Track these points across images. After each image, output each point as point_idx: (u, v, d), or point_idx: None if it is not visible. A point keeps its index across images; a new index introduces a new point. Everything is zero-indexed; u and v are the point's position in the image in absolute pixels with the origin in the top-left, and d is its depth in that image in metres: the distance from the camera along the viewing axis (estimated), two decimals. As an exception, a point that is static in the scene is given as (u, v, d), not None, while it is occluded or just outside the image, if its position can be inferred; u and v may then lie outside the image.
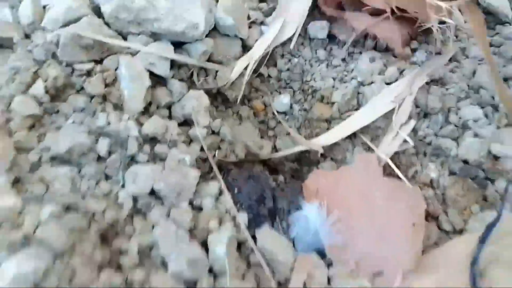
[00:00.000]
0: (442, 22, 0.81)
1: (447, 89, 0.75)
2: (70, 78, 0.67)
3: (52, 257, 0.48)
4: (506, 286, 0.52)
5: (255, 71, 0.81)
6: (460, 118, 0.72)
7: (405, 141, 0.68)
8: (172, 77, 0.75)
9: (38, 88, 0.63)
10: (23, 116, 0.61)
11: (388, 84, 0.76)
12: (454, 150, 0.69)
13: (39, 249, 0.48)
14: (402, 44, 0.82)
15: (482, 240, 0.57)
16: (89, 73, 0.69)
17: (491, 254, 0.56)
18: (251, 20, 0.84)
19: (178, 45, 0.77)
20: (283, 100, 0.80)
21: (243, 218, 0.63)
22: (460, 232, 0.63)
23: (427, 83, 0.76)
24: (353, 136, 0.75)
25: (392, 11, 0.79)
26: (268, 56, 0.81)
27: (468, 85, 0.76)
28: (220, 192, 0.65)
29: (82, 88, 0.67)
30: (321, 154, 0.76)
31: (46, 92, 0.64)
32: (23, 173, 0.58)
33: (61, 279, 0.48)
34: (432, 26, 0.77)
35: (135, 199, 0.60)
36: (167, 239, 0.55)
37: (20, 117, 0.61)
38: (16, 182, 0.56)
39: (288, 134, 0.76)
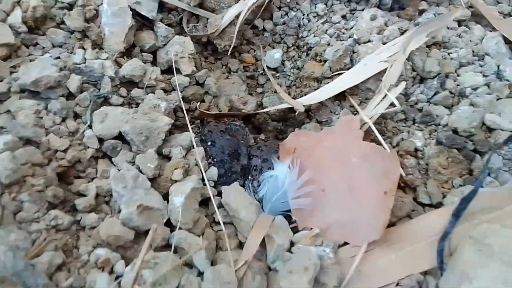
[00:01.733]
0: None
1: (449, 53, 0.64)
2: (50, 10, 0.61)
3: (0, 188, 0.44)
4: (477, 270, 0.44)
5: (249, 22, 0.72)
6: (458, 85, 0.61)
7: (392, 104, 0.59)
8: (161, 20, 0.67)
9: (16, 17, 0.57)
10: (-2, 44, 0.56)
11: (384, 43, 0.65)
12: (445, 118, 0.59)
13: (-15, 178, 0.44)
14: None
15: (456, 214, 0.49)
16: (70, 7, 0.62)
17: (462, 231, 0.48)
18: (250, -34, 0.74)
19: (170, -12, 0.68)
20: (275, 55, 0.71)
21: (212, 172, 0.57)
22: (437, 206, 0.54)
23: (428, 46, 0.65)
24: (342, 98, 0.66)
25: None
26: (263, 7, 0.72)
27: (473, 51, 0.64)
28: (193, 146, 0.59)
29: (63, 22, 0.61)
30: (308, 115, 0.68)
31: (24, 22, 0.58)
32: (-10, 103, 0.53)
33: (6, 211, 0.44)
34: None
35: (101, 141, 0.55)
36: (120, 183, 0.50)
37: (-5, 46, 0.56)
38: (-18, 111, 0.52)
39: (276, 92, 0.68)
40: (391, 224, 0.53)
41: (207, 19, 0.70)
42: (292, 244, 0.53)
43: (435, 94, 0.61)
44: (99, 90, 0.58)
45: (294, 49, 0.73)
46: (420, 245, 0.50)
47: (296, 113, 0.63)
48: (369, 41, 0.67)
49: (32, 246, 0.43)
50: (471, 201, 0.48)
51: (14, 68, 0.56)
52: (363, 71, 0.62)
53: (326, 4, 0.73)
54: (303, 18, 0.73)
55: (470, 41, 0.66)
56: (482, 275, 0.41)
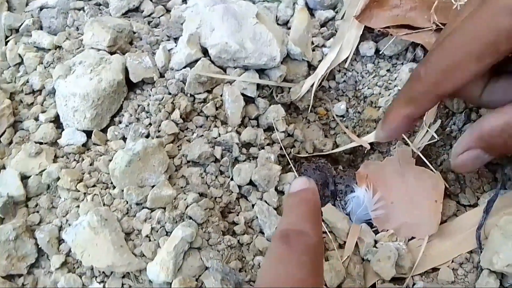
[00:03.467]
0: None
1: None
2: (193, 105, 0.90)
3: (197, 227, 0.73)
4: (501, 246, 0.65)
5: (319, 85, 0.97)
6: (480, 115, 0.83)
7: (433, 136, 0.82)
8: (258, 96, 0.95)
9: (176, 115, 0.86)
10: (168, 134, 0.85)
11: (422, 91, 0.88)
12: (474, 142, 0.81)
13: (190, 222, 0.73)
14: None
15: (486, 211, 0.71)
16: (205, 100, 0.91)
17: (492, 222, 0.70)
18: (314, 44, 0.99)
19: (261, 71, 0.95)
20: (340, 106, 0.95)
21: (312, 198, 0.83)
22: (474, 206, 0.76)
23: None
24: (395, 133, 0.89)
25: (436, 26, 0.89)
26: (328, 73, 0.97)
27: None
28: (296, 180, 0.85)
29: (202, 111, 0.90)
30: (371, 147, 0.92)
31: (180, 116, 0.87)
32: (172, 172, 0.83)
33: (203, 240, 0.73)
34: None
35: (239, 187, 0.83)
36: (262, 214, 0.77)
37: (167, 135, 0.85)
38: (170, 179, 0.82)
39: (345, 133, 0.93)
40: (443, 222, 0.76)
41: (289, 88, 0.96)
42: (375, 242, 0.78)
43: (464, 124, 0.83)
44: (231, 153, 0.86)
45: (354, 99, 0.97)
46: (464, 234, 0.73)
47: (365, 151, 0.88)
48: (410, 89, 0.90)
49: (222, 258, 0.72)
50: (494, 202, 0.70)
51: (178, 147, 0.86)
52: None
53: (373, 63, 0.97)
54: (357, 76, 0.97)
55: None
56: (504, 250, 0.64)
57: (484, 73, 0.53)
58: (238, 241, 0.76)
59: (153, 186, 0.75)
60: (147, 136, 0.85)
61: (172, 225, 0.73)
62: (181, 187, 0.80)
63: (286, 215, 0.59)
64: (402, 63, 0.94)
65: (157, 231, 0.73)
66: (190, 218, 0.74)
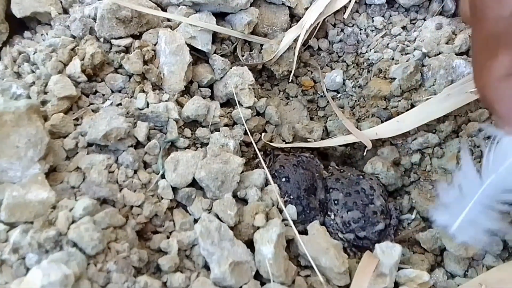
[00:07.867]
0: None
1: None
2: (107, 55, 0.57)
3: (85, 261, 0.40)
4: None
5: (303, 43, 0.67)
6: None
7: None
8: (214, 52, 0.63)
9: (75, 66, 0.53)
10: (59, 97, 0.52)
11: (458, 54, 0.60)
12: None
13: (72, 252, 0.40)
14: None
15: None
16: (127, 49, 0.58)
17: None
18: (300, -16, 0.69)
19: (220, 16, 0.64)
20: (336, 78, 0.66)
21: (291, 211, 0.52)
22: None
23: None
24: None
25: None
26: (318, 26, 0.67)
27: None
28: (266, 182, 0.54)
29: (121, 66, 0.57)
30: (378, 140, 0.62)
31: (83, 71, 0.54)
32: (59, 161, 0.49)
33: (95, 284, 0.40)
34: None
35: (174, 190, 0.51)
36: (208, 237, 0.46)
37: (56, 98, 0.52)
38: (52, 171, 0.49)
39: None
40: None
41: (261, 45, 0.65)
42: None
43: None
44: (165, 134, 0.54)
45: (354, 67, 0.67)
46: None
47: (365, 153, 0.59)
48: (440, 53, 0.61)
49: (128, 320, 0.39)
50: None
51: (77, 120, 0.53)
52: (447, 102, 0.56)
53: (383, 16, 0.68)
54: (360, 34, 0.67)
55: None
56: None
57: None
58: (165, 284, 0.44)
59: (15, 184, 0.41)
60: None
61: (38, 256, 0.39)
62: (70, 187, 0.47)
63: None
64: (424, 18, 0.66)
65: (11, 267, 0.40)
66: (74, 244, 0.41)
